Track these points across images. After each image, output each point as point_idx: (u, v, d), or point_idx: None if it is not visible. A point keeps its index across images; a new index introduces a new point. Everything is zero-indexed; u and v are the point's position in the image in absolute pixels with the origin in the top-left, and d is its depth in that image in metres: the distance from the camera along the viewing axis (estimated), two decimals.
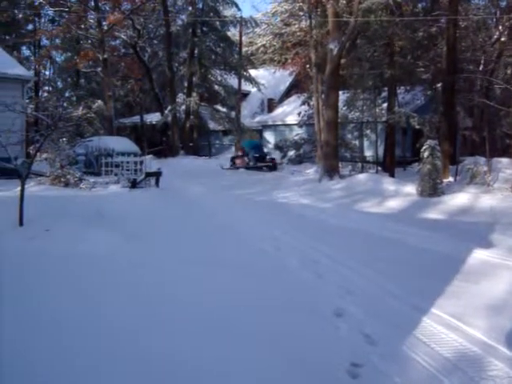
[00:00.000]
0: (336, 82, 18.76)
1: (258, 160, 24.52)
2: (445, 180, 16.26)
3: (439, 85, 22.40)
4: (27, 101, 23.15)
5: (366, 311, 5.15)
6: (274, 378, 3.72)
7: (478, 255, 7.71)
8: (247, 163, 24.52)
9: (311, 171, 22.23)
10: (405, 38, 22.88)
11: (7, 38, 39.42)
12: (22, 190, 8.33)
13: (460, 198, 13.24)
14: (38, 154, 11.16)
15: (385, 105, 23.13)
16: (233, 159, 25.75)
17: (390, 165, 21.43)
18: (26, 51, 44.72)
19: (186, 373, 3.68)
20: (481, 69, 25.57)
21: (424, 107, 24.57)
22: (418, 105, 25.28)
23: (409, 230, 9.78)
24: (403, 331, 4.65)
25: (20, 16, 39.08)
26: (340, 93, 19.87)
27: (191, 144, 32.69)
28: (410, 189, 14.77)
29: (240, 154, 25.70)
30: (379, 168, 22.04)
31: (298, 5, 29.37)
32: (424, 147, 14.62)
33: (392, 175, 19.62)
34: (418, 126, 22.17)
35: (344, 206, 13.44)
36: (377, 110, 23.05)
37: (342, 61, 20.57)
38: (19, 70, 18.88)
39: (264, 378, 3.70)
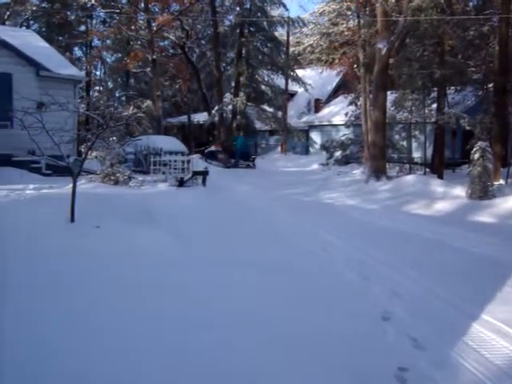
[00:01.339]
0: (384, 82, 18.53)
1: (243, 157, 24.31)
2: (495, 183, 15.83)
3: (491, 85, 21.83)
4: (79, 100, 23.71)
5: (413, 315, 5.08)
6: (322, 381, 3.72)
7: None
8: (234, 162, 24.07)
9: (358, 172, 22.04)
10: (455, 37, 22.40)
11: (60, 39, 40.54)
12: (74, 188, 8.55)
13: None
14: (89, 152, 11.43)
15: (434, 105, 22.69)
16: (211, 154, 24.77)
17: (438, 166, 21.02)
18: (77, 52, 45.96)
19: (241, 375, 3.73)
20: None
21: (475, 108, 23.99)
22: (468, 105, 24.70)
23: (457, 233, 9.59)
24: (452, 336, 4.57)
25: (72, 18, 40.13)
26: (388, 93, 19.62)
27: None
28: (460, 191, 14.46)
29: (218, 149, 24.70)
30: (427, 169, 21.64)
31: (345, 4, 29.16)
32: (474, 149, 14.29)
33: (440, 177, 19.24)
34: (468, 127, 21.65)
35: (391, 208, 13.27)
36: (426, 111, 22.64)
37: (391, 60, 20.31)
38: (72, 71, 19.41)
39: (312, 381, 3.71)
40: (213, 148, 24.31)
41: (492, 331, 4.71)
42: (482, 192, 13.65)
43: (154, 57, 30.60)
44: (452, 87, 23.69)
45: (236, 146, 24.41)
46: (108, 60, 43.66)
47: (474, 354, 4.22)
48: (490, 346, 4.42)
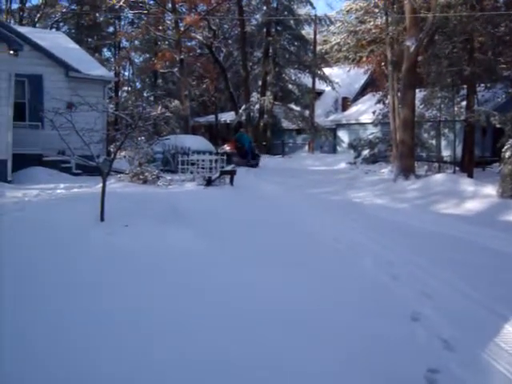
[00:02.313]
0: (413, 80, 18.33)
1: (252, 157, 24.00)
2: None
3: None
4: (108, 101, 23.98)
5: (443, 315, 5.01)
6: (351, 379, 3.70)
7: None
8: (246, 161, 23.66)
9: (386, 171, 21.85)
10: (485, 34, 21.99)
11: (89, 40, 41.14)
12: (104, 187, 8.65)
13: None
14: (118, 151, 11.56)
15: (464, 103, 22.37)
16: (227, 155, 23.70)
17: (468, 165, 20.72)
18: (106, 53, 46.54)
19: (265, 371, 3.73)
20: None
21: (505, 105, 23.56)
22: (498, 103, 24.28)
23: (488, 233, 9.44)
24: (483, 338, 4.50)
25: (101, 19, 40.69)
26: (416, 91, 19.38)
27: (265, 143, 32.87)
28: (490, 190, 14.22)
29: (233, 151, 23.85)
30: (457, 168, 21.34)
31: (373, 2, 28.90)
32: (505, 147, 14.05)
33: (470, 176, 18.96)
34: (498, 125, 21.27)
35: (420, 207, 13.13)
36: (455, 109, 22.33)
37: (419, 58, 20.06)
38: (101, 71, 19.66)
39: (341, 381, 3.70)
40: (227, 149, 23.90)
41: None
42: None
43: (182, 57, 30.81)
44: (482, 84, 23.31)
45: (244, 145, 24.13)
46: (136, 60, 44.22)
47: (508, 357, 4.15)
48: None
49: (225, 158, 18.66)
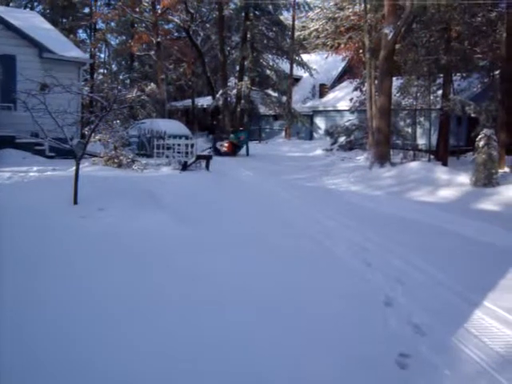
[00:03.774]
0: (390, 68, 18.38)
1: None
2: (500, 170, 15.76)
3: (497, 72, 21.64)
4: (82, 83, 23.60)
5: (415, 301, 5.07)
6: (323, 365, 3.72)
7: None
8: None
9: (361, 158, 21.96)
10: (462, 23, 22.10)
11: (64, 21, 40.37)
12: (77, 170, 8.54)
13: None
14: (93, 134, 11.40)
15: (439, 92, 22.51)
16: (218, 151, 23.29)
17: (443, 153, 20.92)
18: (82, 34, 45.75)
19: (238, 352, 3.73)
20: None
21: (480, 95, 23.83)
22: (474, 92, 24.53)
23: (461, 221, 9.56)
24: (454, 323, 4.57)
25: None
26: (393, 79, 19.46)
27: (242, 128, 32.72)
28: (464, 179, 14.40)
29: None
30: (432, 156, 21.53)
31: None
32: (480, 136, 14.21)
33: (445, 164, 19.15)
34: (473, 115, 21.49)
35: (395, 195, 13.24)
36: (431, 97, 22.48)
37: (397, 46, 20.08)
38: (76, 53, 19.29)
39: (312, 363, 3.72)
40: (223, 150, 23.43)
41: (494, 319, 4.71)
42: (487, 180, 13.59)
43: (159, 40, 30.47)
44: (458, 74, 23.49)
45: (240, 140, 23.96)
46: (112, 43, 43.54)
47: (476, 341, 4.22)
48: (491, 333, 4.42)
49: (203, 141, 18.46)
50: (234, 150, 23.45)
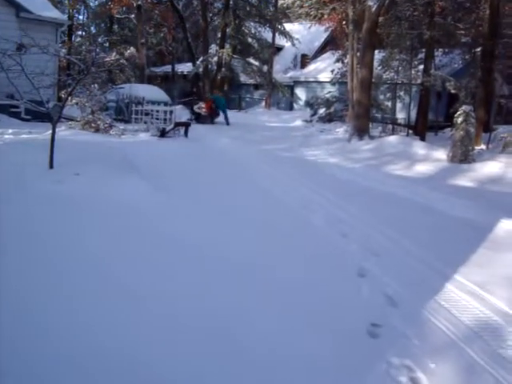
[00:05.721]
0: (373, 41, 18.31)
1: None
2: (477, 147, 15.92)
3: (478, 49, 21.69)
4: (60, 45, 23.09)
5: (388, 273, 5.15)
6: (294, 331, 3.77)
7: (506, 225, 7.58)
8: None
9: (341, 130, 21.97)
10: None
11: None
12: (53, 134, 8.39)
13: (491, 167, 12.98)
14: (70, 98, 11.19)
15: (421, 67, 22.51)
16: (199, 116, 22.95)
17: (421, 128, 21.03)
18: None
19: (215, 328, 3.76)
20: None
21: (461, 71, 23.91)
22: (455, 69, 24.59)
23: (437, 196, 9.66)
24: (425, 295, 4.65)
25: None
26: (376, 52, 19.39)
27: (221, 95, 32.43)
28: (441, 154, 14.53)
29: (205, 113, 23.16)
30: (410, 131, 21.66)
31: None
32: (458, 112, 14.29)
33: (423, 139, 19.27)
34: (453, 91, 21.60)
35: (372, 168, 13.30)
36: (412, 72, 22.49)
37: (380, 19, 19.98)
38: (54, 14, 18.86)
39: (284, 331, 3.76)
40: (203, 111, 23.13)
41: (464, 292, 4.81)
42: (463, 156, 13.73)
43: (139, 3, 29.82)
44: (440, 49, 23.51)
45: (218, 108, 23.65)
46: (91, 4, 42.46)
47: (446, 314, 4.31)
48: (461, 306, 4.51)
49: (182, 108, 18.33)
50: (212, 116, 23.20)
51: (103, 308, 3.78)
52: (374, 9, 17.57)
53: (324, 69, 31.39)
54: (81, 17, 44.82)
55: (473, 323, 4.16)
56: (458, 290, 4.86)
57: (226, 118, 23.42)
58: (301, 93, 33.08)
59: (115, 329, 3.53)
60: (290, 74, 34.45)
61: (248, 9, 32.81)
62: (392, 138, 17.07)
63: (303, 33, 35.37)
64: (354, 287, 4.75)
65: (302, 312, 4.10)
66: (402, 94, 24.18)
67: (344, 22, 27.53)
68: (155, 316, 3.77)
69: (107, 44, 41.01)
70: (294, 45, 32.41)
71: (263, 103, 33.62)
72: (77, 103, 15.30)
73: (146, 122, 16.66)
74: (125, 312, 3.77)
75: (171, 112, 17.38)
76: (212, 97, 24.06)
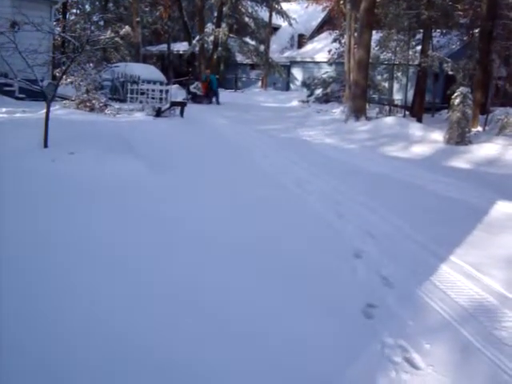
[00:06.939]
0: (370, 21, 18.15)
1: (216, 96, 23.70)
2: (473, 129, 15.92)
3: (477, 30, 21.55)
4: (54, 22, 22.77)
5: (384, 254, 5.15)
6: (290, 310, 3.77)
7: (501, 207, 7.61)
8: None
9: (337, 111, 21.89)
10: None
11: None
12: (48, 113, 8.33)
13: (487, 149, 12.99)
14: (64, 77, 11.08)
15: (418, 47, 22.40)
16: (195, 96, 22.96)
17: (418, 110, 20.98)
18: None
19: (209, 307, 3.76)
20: None
21: (459, 53, 23.78)
22: (452, 50, 24.46)
23: (433, 177, 9.67)
24: (421, 276, 4.65)
25: None
26: (373, 32, 19.26)
27: (217, 76, 32.23)
28: (437, 136, 14.51)
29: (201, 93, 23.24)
30: (407, 112, 21.60)
31: None
32: (455, 94, 14.25)
33: (420, 120, 19.24)
34: (451, 72, 21.52)
35: (369, 149, 13.28)
36: (410, 53, 22.35)
37: None
38: None
39: (279, 310, 3.76)
40: (197, 92, 23.01)
41: (460, 273, 4.81)
42: (460, 138, 13.72)
43: None
44: (438, 30, 23.34)
45: (212, 87, 23.51)
46: None
47: (441, 295, 4.31)
48: (456, 287, 4.51)
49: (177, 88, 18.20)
50: (208, 95, 23.13)
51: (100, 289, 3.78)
52: None
53: (321, 49, 31.18)
54: None
55: (468, 304, 4.16)
56: (453, 270, 4.86)
57: (217, 97, 23.31)
58: (297, 73, 32.90)
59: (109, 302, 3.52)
60: (287, 53, 34.23)
61: None
62: (389, 119, 17.04)
63: (300, 12, 35.09)
64: (351, 268, 4.73)
65: (299, 290, 4.10)
66: (399, 74, 24.08)
67: (341, 2, 27.33)
68: (156, 296, 3.76)
69: (102, 22, 40.52)
70: (290, 24, 32.13)
71: (259, 83, 33.45)
72: (71, 82, 15.14)
73: (141, 102, 16.54)
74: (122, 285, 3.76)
75: (167, 91, 17.24)
76: (205, 76, 23.93)
